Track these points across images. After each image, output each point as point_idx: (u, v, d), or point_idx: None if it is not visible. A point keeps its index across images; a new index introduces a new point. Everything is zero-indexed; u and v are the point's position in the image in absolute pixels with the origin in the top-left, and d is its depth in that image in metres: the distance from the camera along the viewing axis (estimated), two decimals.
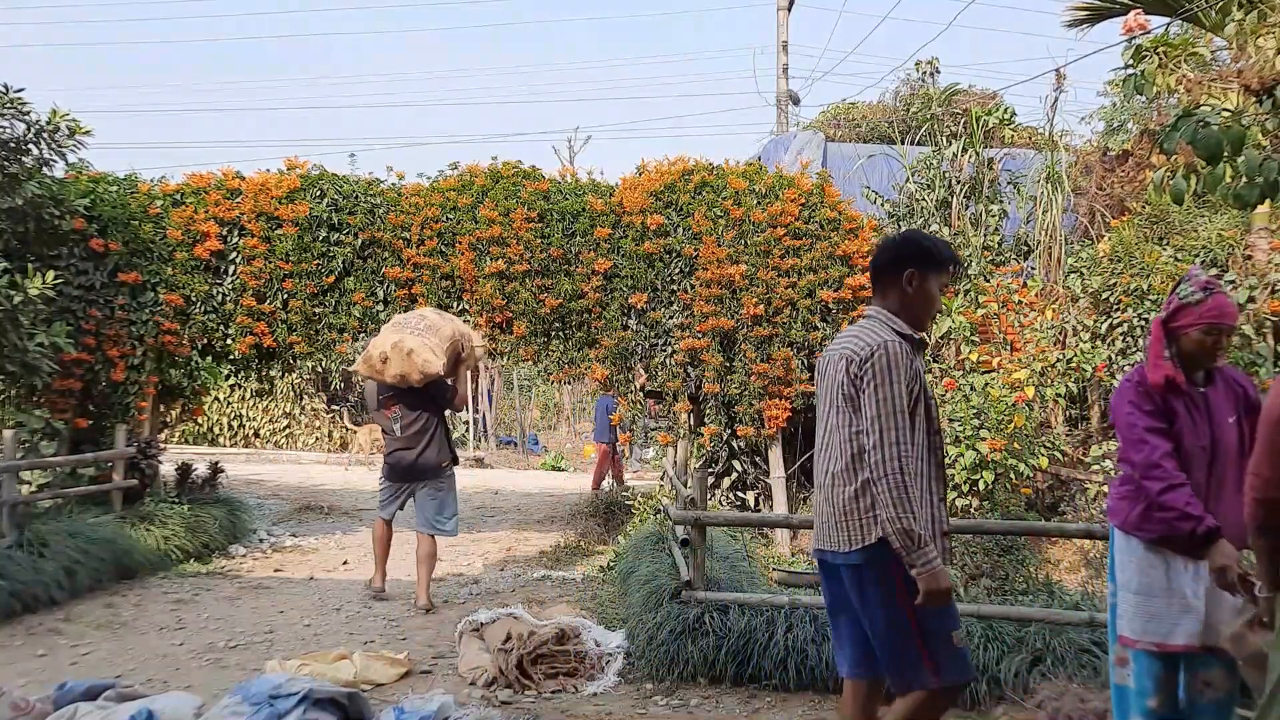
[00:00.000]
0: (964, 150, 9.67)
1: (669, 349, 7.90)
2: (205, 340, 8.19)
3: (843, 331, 3.01)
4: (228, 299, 8.11)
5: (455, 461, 6.43)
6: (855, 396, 2.74)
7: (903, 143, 10.57)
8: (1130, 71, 6.98)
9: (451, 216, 8.14)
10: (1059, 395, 7.61)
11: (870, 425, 2.68)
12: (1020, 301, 8.51)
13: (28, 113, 7.03)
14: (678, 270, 7.97)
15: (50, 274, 6.94)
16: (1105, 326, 8.38)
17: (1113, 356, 8.24)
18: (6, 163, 6.99)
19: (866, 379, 2.71)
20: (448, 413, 6.66)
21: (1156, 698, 2.97)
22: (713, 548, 5.63)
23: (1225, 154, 3.88)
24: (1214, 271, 8.25)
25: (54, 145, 7.23)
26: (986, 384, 7.09)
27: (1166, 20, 7.75)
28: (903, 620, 2.72)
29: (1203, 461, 2.94)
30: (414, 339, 5.91)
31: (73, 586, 6.19)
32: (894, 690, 2.83)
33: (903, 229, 9.21)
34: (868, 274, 7.69)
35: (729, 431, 7.82)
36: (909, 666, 2.75)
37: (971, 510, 6.73)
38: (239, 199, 8.17)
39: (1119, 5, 8.38)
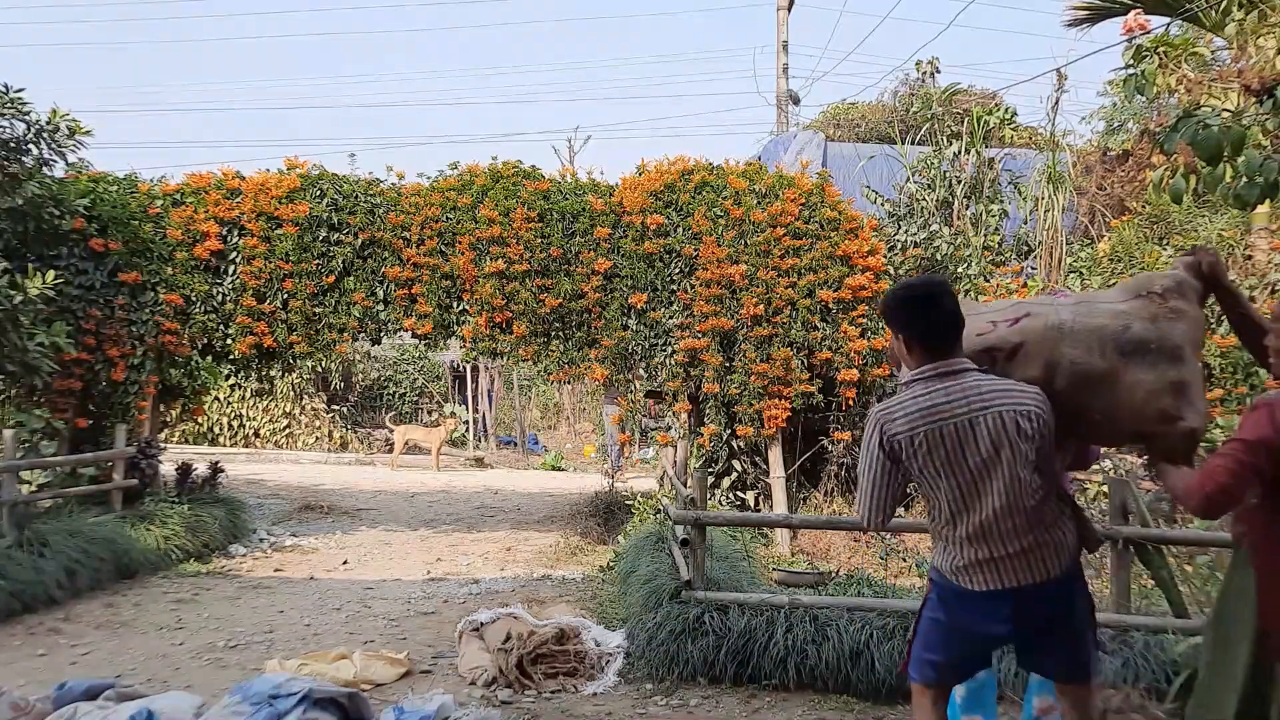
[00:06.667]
0: (965, 150, 9.67)
1: (669, 349, 7.90)
2: (205, 340, 8.19)
3: (988, 383, 2.73)
4: (228, 299, 8.11)
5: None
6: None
7: (903, 143, 10.57)
8: (1130, 71, 6.99)
9: (451, 216, 8.14)
10: None
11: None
12: None
13: (28, 113, 7.03)
14: (678, 270, 7.97)
15: (50, 274, 6.94)
16: None
17: None
18: (6, 163, 6.99)
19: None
20: None
21: None
22: (713, 548, 5.63)
23: (1225, 154, 3.88)
24: None
25: (54, 145, 7.23)
26: None
27: (1167, 20, 7.75)
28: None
29: None
30: None
31: (73, 586, 6.19)
32: (1086, 681, 2.90)
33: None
34: (867, 274, 7.76)
35: (729, 431, 7.82)
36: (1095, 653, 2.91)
37: None
38: (239, 199, 8.17)
39: (1119, 5, 8.39)
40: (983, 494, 2.65)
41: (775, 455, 7.76)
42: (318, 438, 17.06)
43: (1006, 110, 10.61)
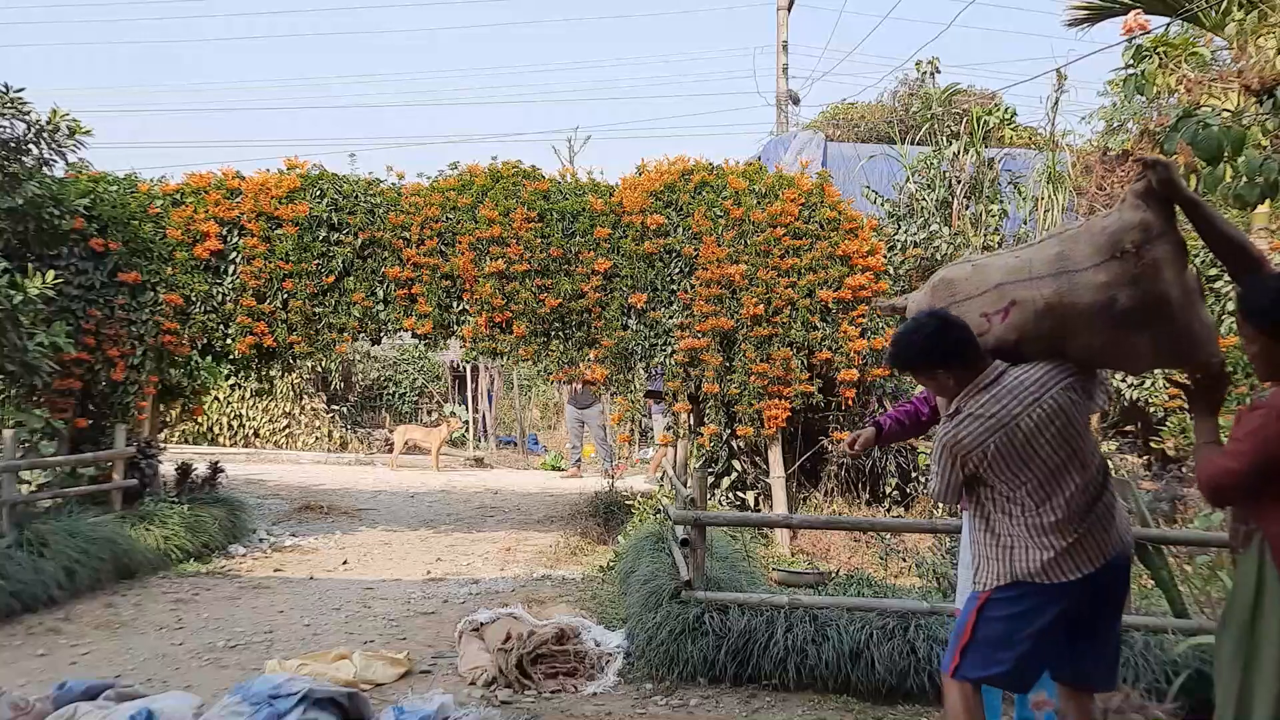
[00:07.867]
0: (964, 150, 9.67)
1: (669, 349, 7.90)
2: (205, 340, 8.19)
3: (1027, 375, 2.85)
4: (228, 299, 8.11)
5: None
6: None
7: (903, 143, 10.56)
8: (1130, 71, 6.99)
9: (451, 216, 8.14)
10: None
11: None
12: None
13: (28, 112, 7.02)
14: (678, 270, 7.97)
15: (50, 274, 6.94)
16: None
17: None
18: (6, 162, 6.98)
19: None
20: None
21: None
22: (713, 548, 5.63)
23: (1225, 154, 3.88)
24: (1213, 271, 8.24)
25: (54, 145, 7.23)
26: None
27: (1167, 20, 7.75)
28: None
29: None
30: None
31: (73, 586, 6.19)
32: (1109, 687, 3.04)
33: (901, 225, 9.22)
34: (867, 274, 7.76)
35: (729, 431, 7.82)
36: None
37: None
38: (239, 199, 8.17)
39: (1119, 5, 8.39)
40: (1061, 476, 2.81)
41: (775, 455, 7.77)
42: (317, 438, 17.03)
43: (1006, 110, 10.59)
